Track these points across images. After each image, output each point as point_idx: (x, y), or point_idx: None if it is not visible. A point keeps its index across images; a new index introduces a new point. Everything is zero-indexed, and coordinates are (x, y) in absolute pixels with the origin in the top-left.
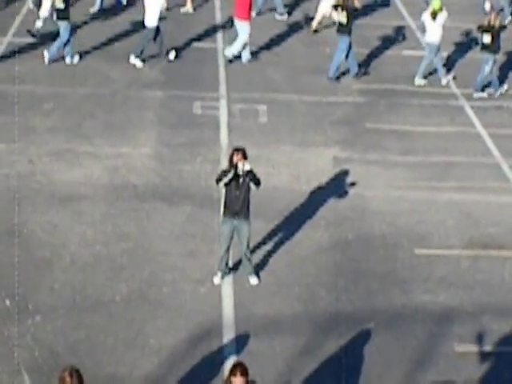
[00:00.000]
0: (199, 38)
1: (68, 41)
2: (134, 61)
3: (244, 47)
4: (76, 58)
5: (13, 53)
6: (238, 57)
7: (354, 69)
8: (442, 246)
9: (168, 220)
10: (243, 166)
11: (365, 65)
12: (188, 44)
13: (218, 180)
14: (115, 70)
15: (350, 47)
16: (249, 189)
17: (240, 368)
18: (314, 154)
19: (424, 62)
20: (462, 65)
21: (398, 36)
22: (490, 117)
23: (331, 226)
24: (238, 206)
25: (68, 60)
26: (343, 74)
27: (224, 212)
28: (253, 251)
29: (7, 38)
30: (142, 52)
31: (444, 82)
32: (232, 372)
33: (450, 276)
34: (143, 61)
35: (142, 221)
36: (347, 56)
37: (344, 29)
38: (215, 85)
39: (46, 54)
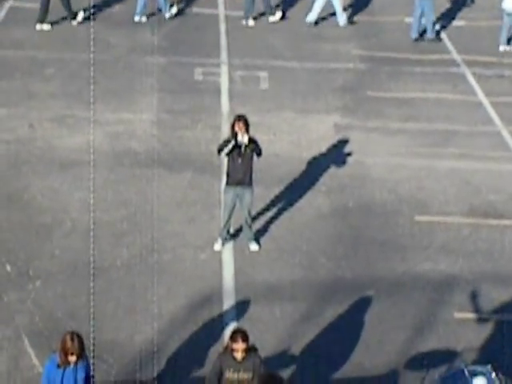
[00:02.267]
0: (201, 4)
1: None
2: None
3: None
4: (174, 10)
5: (14, 18)
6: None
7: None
8: (443, 213)
9: (169, 186)
10: (242, 138)
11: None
12: (189, 10)
13: (220, 150)
14: (116, 36)
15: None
16: (251, 157)
17: (241, 334)
18: (315, 120)
19: (504, 29)
20: (464, 31)
21: (400, 3)
22: (492, 85)
23: (332, 192)
24: (240, 175)
25: (167, 15)
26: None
27: (227, 181)
28: (254, 218)
29: (9, 3)
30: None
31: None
32: (233, 338)
33: (451, 243)
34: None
35: (143, 187)
36: None
37: None
38: (216, 51)
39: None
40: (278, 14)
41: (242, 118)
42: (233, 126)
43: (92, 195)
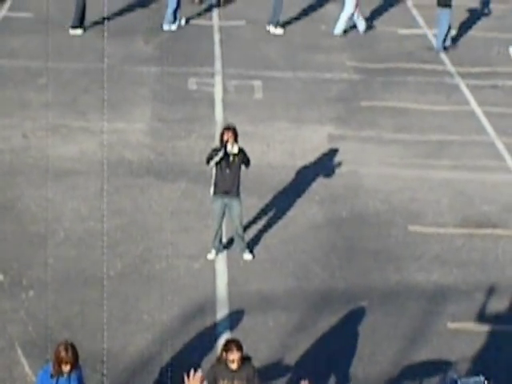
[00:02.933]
0: (195, 15)
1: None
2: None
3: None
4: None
5: (8, 27)
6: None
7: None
8: (436, 223)
9: (162, 196)
10: (232, 148)
11: (363, 42)
12: (183, 21)
13: (209, 159)
14: (110, 46)
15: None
16: (239, 167)
17: (235, 343)
18: (308, 130)
19: None
20: (457, 42)
21: (393, 14)
22: (485, 95)
23: (325, 202)
24: (228, 185)
25: (173, 27)
26: (336, 50)
27: (214, 190)
28: (247, 227)
29: (2, 13)
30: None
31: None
32: (227, 348)
33: (444, 254)
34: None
35: (137, 197)
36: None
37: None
38: (210, 61)
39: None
40: (280, 30)
41: (230, 128)
42: (222, 136)
43: (85, 205)
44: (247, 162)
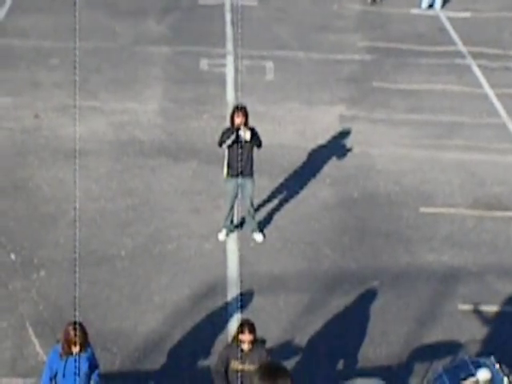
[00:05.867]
0: None
1: None
2: None
3: None
4: None
5: (19, 7)
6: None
7: None
8: (448, 205)
9: (173, 176)
10: (244, 135)
11: (373, 23)
12: (195, 1)
13: (221, 143)
14: (121, 25)
15: None
16: (252, 147)
17: (248, 325)
18: (320, 111)
19: None
20: (469, 23)
21: None
22: (497, 77)
23: (336, 183)
24: (241, 165)
25: None
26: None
27: (227, 171)
28: (258, 208)
29: None
30: None
31: None
32: (240, 330)
33: (455, 235)
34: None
35: (148, 177)
36: None
37: None
38: (222, 41)
39: None
40: None
41: (241, 109)
42: (232, 116)
43: (96, 185)
44: (259, 144)
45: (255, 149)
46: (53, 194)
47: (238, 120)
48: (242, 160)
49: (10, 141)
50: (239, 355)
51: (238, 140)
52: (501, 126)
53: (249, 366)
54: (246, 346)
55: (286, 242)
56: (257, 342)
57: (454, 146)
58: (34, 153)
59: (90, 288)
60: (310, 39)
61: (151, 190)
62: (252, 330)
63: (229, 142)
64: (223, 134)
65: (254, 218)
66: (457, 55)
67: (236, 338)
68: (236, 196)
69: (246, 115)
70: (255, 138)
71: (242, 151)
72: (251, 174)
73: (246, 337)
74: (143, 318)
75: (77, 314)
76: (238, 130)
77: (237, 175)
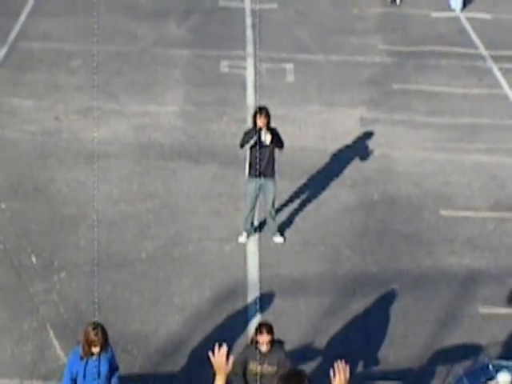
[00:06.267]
0: None
1: None
2: None
3: None
4: None
5: (40, 10)
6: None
7: None
8: (468, 207)
9: (194, 179)
10: (265, 138)
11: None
12: (215, 4)
13: (242, 145)
14: (142, 28)
15: None
16: (273, 148)
17: (266, 326)
18: (340, 114)
19: None
20: (490, 25)
21: None
22: None
23: (357, 186)
24: (263, 166)
25: None
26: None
27: (249, 172)
28: (278, 210)
29: None
30: None
31: None
32: (258, 330)
33: (476, 238)
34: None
35: (168, 179)
36: None
37: None
38: (242, 44)
39: None
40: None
41: (263, 110)
42: (254, 117)
43: (117, 187)
44: (281, 145)
45: (277, 150)
46: (73, 196)
47: (260, 121)
48: (263, 161)
49: (31, 144)
50: (258, 357)
51: (259, 141)
52: None
53: (267, 368)
54: (264, 347)
55: (306, 244)
56: (275, 343)
57: (474, 149)
58: (54, 155)
59: (111, 290)
60: (330, 41)
61: (171, 192)
62: (270, 330)
63: (251, 143)
64: (245, 134)
65: (274, 219)
66: (477, 57)
67: (254, 340)
68: (257, 197)
69: (268, 117)
70: (277, 139)
71: (263, 152)
72: (273, 175)
73: (265, 337)
74: (163, 320)
75: (97, 316)
76: (260, 131)
77: (258, 176)
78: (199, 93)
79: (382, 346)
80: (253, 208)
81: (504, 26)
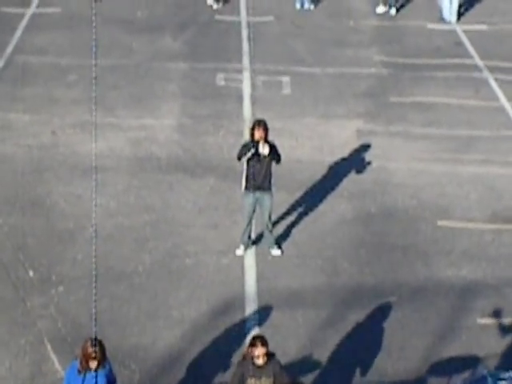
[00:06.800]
0: (222, 11)
1: None
2: None
3: None
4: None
5: (36, 24)
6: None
7: None
8: (465, 219)
9: (191, 192)
10: (263, 150)
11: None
12: (211, 16)
13: (239, 157)
14: (138, 42)
15: None
16: (270, 161)
17: (260, 339)
18: (337, 126)
19: None
20: (486, 36)
21: (422, 8)
22: None
23: (354, 198)
24: (259, 180)
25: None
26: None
27: (246, 185)
28: (275, 223)
29: (31, 10)
30: None
31: None
32: (252, 343)
33: (473, 249)
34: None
35: (165, 192)
36: None
37: None
38: (238, 56)
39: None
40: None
41: (261, 123)
42: (252, 130)
43: (114, 201)
44: (278, 158)
45: (273, 163)
46: (70, 210)
47: (258, 134)
48: (260, 174)
49: (28, 158)
50: (254, 372)
51: (257, 154)
52: None
53: (265, 381)
54: (260, 361)
55: (303, 256)
56: (269, 356)
57: (471, 160)
58: (51, 169)
59: (109, 304)
60: (326, 54)
61: (169, 205)
62: (265, 343)
63: (248, 155)
64: (243, 147)
65: (271, 232)
66: (473, 69)
67: (248, 355)
68: (254, 210)
69: (266, 129)
70: (273, 153)
71: (260, 165)
72: (269, 189)
73: (260, 350)
74: (161, 333)
75: (95, 330)
76: (257, 143)
77: (255, 189)
78: (196, 106)
79: (380, 358)
80: (250, 221)
81: (500, 36)
